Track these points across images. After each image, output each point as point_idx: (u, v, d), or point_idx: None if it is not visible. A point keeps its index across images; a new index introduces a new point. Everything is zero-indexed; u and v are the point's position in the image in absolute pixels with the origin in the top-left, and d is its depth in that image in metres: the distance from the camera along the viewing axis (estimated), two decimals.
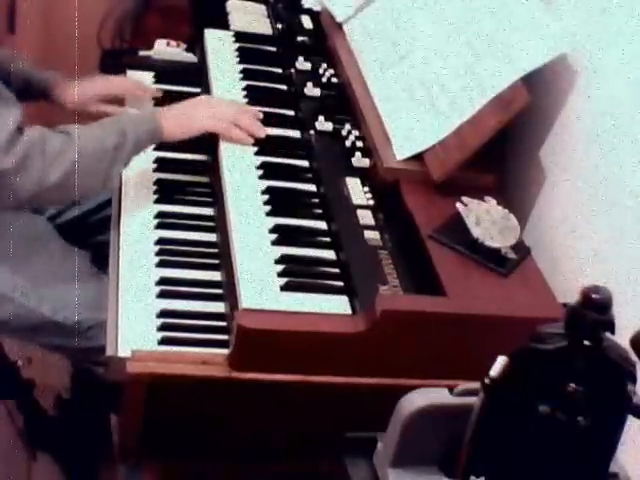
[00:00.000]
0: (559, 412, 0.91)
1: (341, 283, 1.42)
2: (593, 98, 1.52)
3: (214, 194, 1.68)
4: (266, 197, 1.55)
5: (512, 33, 1.58)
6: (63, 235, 1.78)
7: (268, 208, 1.53)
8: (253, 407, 1.35)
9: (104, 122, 1.59)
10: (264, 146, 1.67)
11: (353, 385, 1.34)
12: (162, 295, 1.46)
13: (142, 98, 1.91)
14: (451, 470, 1.05)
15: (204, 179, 1.74)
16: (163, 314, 1.43)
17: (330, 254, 1.48)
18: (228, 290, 1.46)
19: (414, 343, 1.32)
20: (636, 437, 1.08)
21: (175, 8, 2.47)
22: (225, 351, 1.33)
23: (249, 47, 2.00)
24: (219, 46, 1.99)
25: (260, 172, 1.61)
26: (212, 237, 1.62)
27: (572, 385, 0.90)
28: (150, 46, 2.08)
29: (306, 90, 1.81)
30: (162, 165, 1.75)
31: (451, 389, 1.07)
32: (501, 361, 0.94)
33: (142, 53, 2.07)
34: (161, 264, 1.52)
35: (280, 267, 1.41)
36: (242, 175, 1.59)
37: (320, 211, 1.57)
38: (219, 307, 1.48)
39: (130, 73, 2.03)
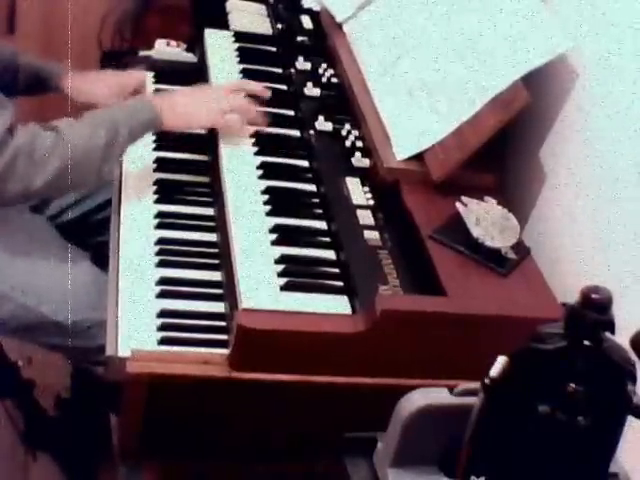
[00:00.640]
0: (559, 412, 0.91)
1: (341, 283, 1.42)
2: (593, 98, 1.52)
3: (214, 194, 1.68)
4: (266, 197, 1.55)
5: (512, 33, 1.58)
6: (63, 235, 1.78)
7: (268, 208, 1.53)
8: (253, 407, 1.35)
9: (96, 115, 1.57)
10: (264, 146, 1.67)
11: (353, 385, 1.34)
12: (162, 295, 1.46)
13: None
14: (451, 470, 1.05)
15: (204, 179, 1.74)
16: (163, 314, 1.43)
17: (330, 254, 1.48)
18: (228, 290, 1.46)
19: (414, 343, 1.32)
20: (636, 437, 1.08)
21: (175, 8, 2.47)
22: (225, 351, 1.33)
23: (249, 47, 2.00)
24: (219, 46, 1.99)
25: (260, 172, 1.61)
26: (212, 237, 1.62)
27: (572, 385, 0.90)
28: (150, 46, 2.08)
29: (306, 90, 1.81)
30: (162, 165, 1.75)
31: (451, 389, 1.07)
32: (501, 361, 0.94)
33: (142, 53, 2.07)
34: (161, 264, 1.52)
35: (280, 267, 1.41)
36: (242, 175, 1.59)
37: (320, 211, 1.57)
38: (219, 307, 1.48)
39: None
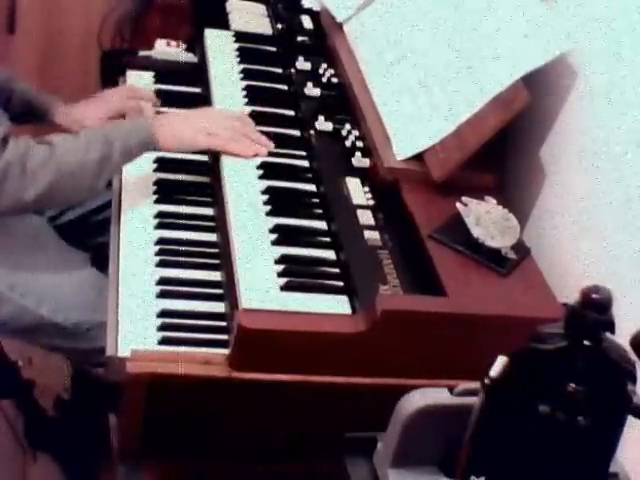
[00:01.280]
0: (559, 412, 0.91)
1: (341, 283, 1.42)
2: (593, 98, 1.52)
3: (214, 194, 1.68)
4: (266, 197, 1.55)
5: (512, 33, 1.58)
6: (63, 236, 1.78)
7: (268, 208, 1.53)
8: (253, 407, 1.35)
9: (91, 132, 1.56)
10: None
11: (353, 385, 1.34)
12: (162, 295, 1.46)
13: (144, 111, 1.88)
14: (451, 470, 1.05)
15: (204, 179, 1.74)
16: (163, 314, 1.43)
17: (330, 254, 1.48)
18: (228, 290, 1.46)
19: (414, 343, 1.32)
20: (636, 437, 1.08)
21: (175, 8, 2.48)
22: (225, 351, 1.33)
23: (249, 47, 2.00)
24: (219, 46, 1.99)
25: (260, 172, 1.61)
26: (212, 237, 1.62)
27: (572, 385, 0.90)
28: (150, 46, 2.09)
29: (306, 90, 1.81)
30: (162, 165, 1.75)
31: (451, 389, 1.07)
32: (501, 361, 0.94)
33: (142, 53, 2.07)
34: (161, 264, 1.52)
35: (280, 267, 1.41)
36: (242, 175, 1.59)
37: (320, 211, 1.57)
38: (219, 307, 1.48)
39: (130, 73, 2.02)
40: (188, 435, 1.38)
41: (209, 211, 1.67)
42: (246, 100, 1.81)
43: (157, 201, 1.66)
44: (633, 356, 0.92)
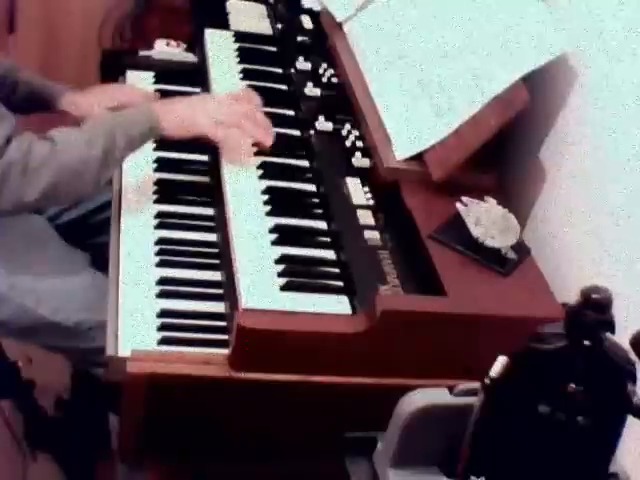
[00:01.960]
0: (559, 412, 0.91)
1: (341, 283, 1.42)
2: (593, 98, 1.52)
3: (214, 194, 1.68)
4: (266, 197, 1.55)
5: (512, 33, 1.58)
6: (63, 236, 1.78)
7: (268, 208, 1.53)
8: (253, 407, 1.35)
9: (93, 125, 1.55)
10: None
11: (353, 385, 1.34)
12: (162, 295, 1.46)
13: None
14: (451, 470, 1.05)
15: (204, 179, 1.74)
16: (163, 314, 1.43)
17: (330, 254, 1.48)
18: (228, 290, 1.46)
19: (414, 343, 1.32)
20: (636, 437, 1.08)
21: (175, 8, 2.48)
22: (225, 351, 1.33)
23: (249, 47, 2.00)
24: (219, 46, 1.99)
25: (260, 172, 1.61)
26: (212, 237, 1.62)
27: (572, 385, 0.90)
28: (150, 46, 2.09)
29: (306, 90, 1.81)
30: (162, 165, 1.75)
31: (451, 389, 1.07)
32: (501, 361, 0.94)
33: (142, 53, 2.06)
34: (161, 264, 1.52)
35: (280, 267, 1.41)
36: (242, 175, 1.59)
37: (320, 211, 1.57)
38: (219, 307, 1.48)
39: (130, 73, 2.03)
40: (188, 435, 1.38)
41: (209, 211, 1.67)
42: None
43: (157, 201, 1.66)
44: (633, 356, 0.92)
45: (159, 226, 1.60)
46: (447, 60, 1.65)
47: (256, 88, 1.85)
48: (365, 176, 1.61)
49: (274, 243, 1.46)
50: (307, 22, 2.08)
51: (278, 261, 1.42)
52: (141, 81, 2.00)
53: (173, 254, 1.55)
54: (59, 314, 1.65)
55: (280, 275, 1.39)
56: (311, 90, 1.81)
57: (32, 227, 1.74)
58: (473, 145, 1.54)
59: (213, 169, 1.70)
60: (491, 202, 1.51)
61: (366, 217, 1.52)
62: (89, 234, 1.85)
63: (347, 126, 1.70)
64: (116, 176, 1.70)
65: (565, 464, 0.94)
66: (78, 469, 2.02)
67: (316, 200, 1.59)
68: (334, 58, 1.90)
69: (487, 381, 0.94)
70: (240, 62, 1.94)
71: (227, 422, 1.37)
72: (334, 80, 1.85)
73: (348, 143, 1.67)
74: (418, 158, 1.59)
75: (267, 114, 1.76)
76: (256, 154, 1.65)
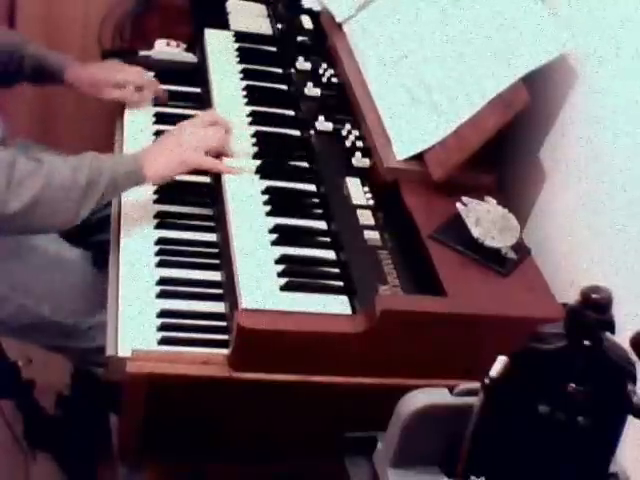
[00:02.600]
0: (559, 412, 0.91)
1: (341, 283, 1.42)
2: (593, 98, 1.52)
3: (214, 194, 1.68)
4: (266, 197, 1.55)
5: (512, 33, 1.58)
6: (63, 235, 1.78)
7: (268, 208, 1.53)
8: (253, 407, 1.35)
9: (82, 156, 1.52)
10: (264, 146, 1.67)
11: (353, 385, 1.34)
12: (162, 295, 1.46)
13: (142, 99, 1.90)
14: (451, 470, 1.05)
15: (204, 179, 1.74)
16: (163, 314, 1.43)
17: (330, 254, 1.48)
18: (228, 290, 1.46)
19: (414, 343, 1.32)
20: (636, 437, 1.08)
21: (175, 8, 2.47)
22: (225, 351, 1.33)
23: (249, 47, 2.00)
24: (219, 46, 1.99)
25: (260, 172, 1.61)
26: (212, 237, 1.62)
27: (572, 385, 0.90)
28: (150, 46, 2.08)
29: (306, 90, 1.81)
30: None
31: (451, 389, 1.07)
32: (501, 361, 0.94)
33: (142, 53, 2.06)
34: (161, 264, 1.52)
35: (280, 267, 1.41)
36: (242, 175, 1.59)
37: (320, 211, 1.57)
38: (219, 307, 1.48)
39: None
40: (188, 435, 1.38)
41: (209, 211, 1.67)
42: (246, 100, 1.81)
43: (157, 201, 1.66)
44: (633, 356, 0.92)
45: (159, 226, 1.60)
46: (447, 60, 1.65)
47: (256, 88, 1.86)
48: (365, 176, 1.61)
49: (274, 243, 1.46)
50: (307, 22, 2.08)
51: (278, 261, 1.42)
52: None
53: (173, 254, 1.55)
54: (59, 313, 1.65)
55: (280, 275, 1.39)
56: (311, 90, 1.81)
57: None
58: (473, 145, 1.54)
59: None
60: (491, 202, 1.51)
61: (366, 217, 1.52)
62: (89, 233, 1.85)
63: (347, 126, 1.70)
64: None
65: (565, 464, 0.94)
66: (78, 469, 2.02)
67: (316, 200, 1.59)
68: (334, 58, 1.90)
69: (487, 381, 0.94)
70: (240, 62, 1.94)
71: (227, 422, 1.37)
72: (334, 80, 1.85)
73: (348, 143, 1.67)
74: (418, 158, 1.59)
75: (267, 114, 1.77)
76: (256, 155, 1.65)
